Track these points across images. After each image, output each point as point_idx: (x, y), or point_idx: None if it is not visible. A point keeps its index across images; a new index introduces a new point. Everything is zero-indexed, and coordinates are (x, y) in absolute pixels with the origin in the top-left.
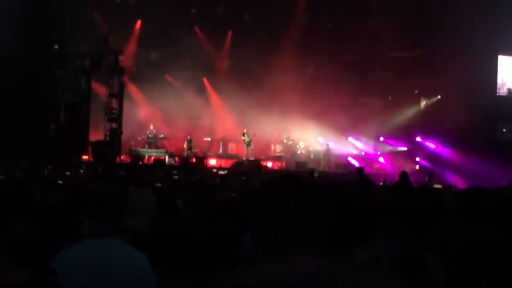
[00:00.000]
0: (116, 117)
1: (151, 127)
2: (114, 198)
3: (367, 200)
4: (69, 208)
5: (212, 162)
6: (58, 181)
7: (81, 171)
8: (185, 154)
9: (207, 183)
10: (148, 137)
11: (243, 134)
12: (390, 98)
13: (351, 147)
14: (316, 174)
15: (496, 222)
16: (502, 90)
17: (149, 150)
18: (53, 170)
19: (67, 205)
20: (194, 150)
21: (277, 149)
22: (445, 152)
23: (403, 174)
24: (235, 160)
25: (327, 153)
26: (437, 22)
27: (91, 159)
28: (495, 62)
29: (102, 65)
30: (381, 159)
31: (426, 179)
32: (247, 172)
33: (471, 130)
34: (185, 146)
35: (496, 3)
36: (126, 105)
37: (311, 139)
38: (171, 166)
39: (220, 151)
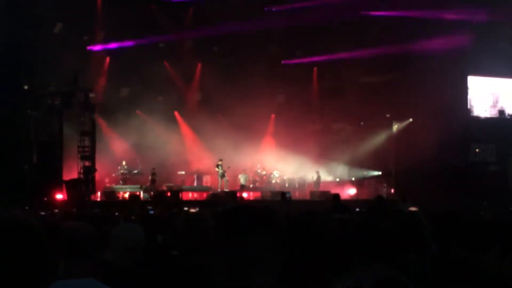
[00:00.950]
0: (89, 154)
1: (123, 163)
2: (87, 237)
3: (342, 229)
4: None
5: (187, 195)
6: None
7: (56, 210)
8: (150, 187)
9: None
10: (121, 173)
11: (217, 166)
12: (362, 123)
13: (326, 174)
14: (288, 195)
15: (472, 245)
16: (493, 111)
17: (124, 186)
18: (29, 211)
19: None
20: (168, 184)
21: (241, 179)
22: (420, 174)
23: (379, 199)
24: (210, 192)
25: (318, 180)
26: (407, 45)
27: (66, 198)
28: (465, 82)
29: (73, 103)
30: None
31: (401, 202)
32: (223, 203)
33: (445, 151)
34: (149, 179)
35: (464, 24)
36: (99, 142)
37: (285, 167)
38: (146, 201)
39: (195, 184)
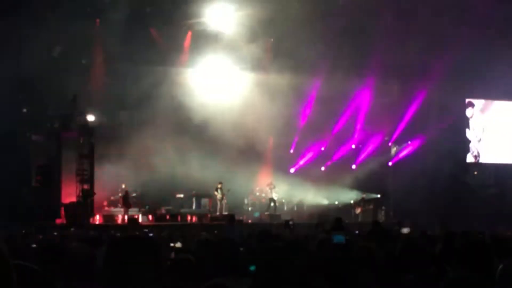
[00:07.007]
0: (87, 178)
1: (123, 186)
2: (86, 258)
3: (345, 253)
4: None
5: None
6: (32, 245)
7: (55, 233)
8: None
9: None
10: (120, 197)
11: (216, 189)
12: (360, 146)
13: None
14: (291, 223)
15: (470, 267)
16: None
17: (122, 210)
18: (26, 234)
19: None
20: (167, 207)
21: (248, 202)
22: (418, 196)
23: (375, 223)
24: (209, 215)
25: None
26: (405, 68)
27: (64, 221)
28: (463, 105)
29: (72, 126)
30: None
31: (398, 225)
32: (222, 226)
33: (444, 174)
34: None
35: (463, 48)
36: (98, 165)
37: (285, 191)
38: (145, 225)
39: (193, 207)
